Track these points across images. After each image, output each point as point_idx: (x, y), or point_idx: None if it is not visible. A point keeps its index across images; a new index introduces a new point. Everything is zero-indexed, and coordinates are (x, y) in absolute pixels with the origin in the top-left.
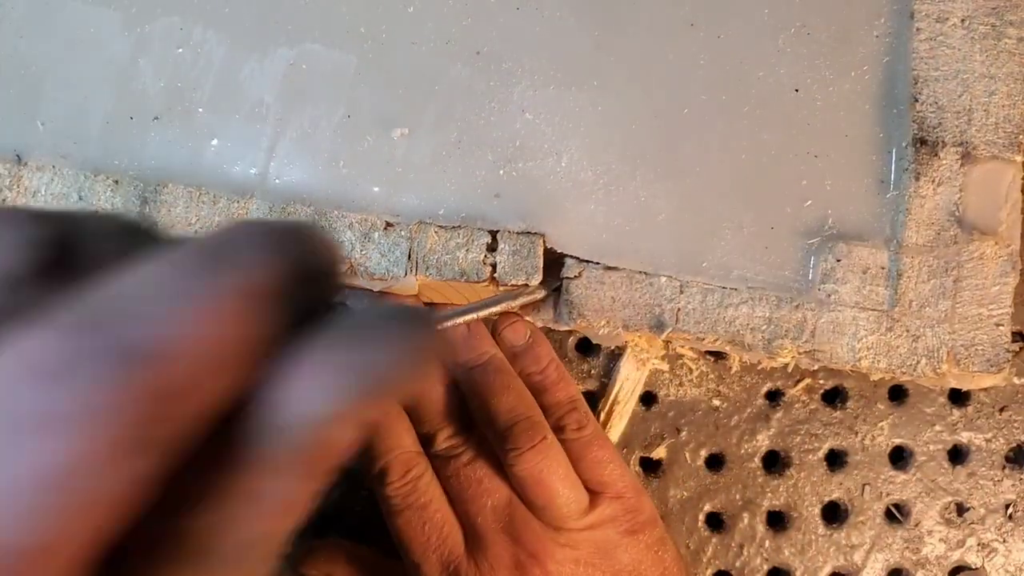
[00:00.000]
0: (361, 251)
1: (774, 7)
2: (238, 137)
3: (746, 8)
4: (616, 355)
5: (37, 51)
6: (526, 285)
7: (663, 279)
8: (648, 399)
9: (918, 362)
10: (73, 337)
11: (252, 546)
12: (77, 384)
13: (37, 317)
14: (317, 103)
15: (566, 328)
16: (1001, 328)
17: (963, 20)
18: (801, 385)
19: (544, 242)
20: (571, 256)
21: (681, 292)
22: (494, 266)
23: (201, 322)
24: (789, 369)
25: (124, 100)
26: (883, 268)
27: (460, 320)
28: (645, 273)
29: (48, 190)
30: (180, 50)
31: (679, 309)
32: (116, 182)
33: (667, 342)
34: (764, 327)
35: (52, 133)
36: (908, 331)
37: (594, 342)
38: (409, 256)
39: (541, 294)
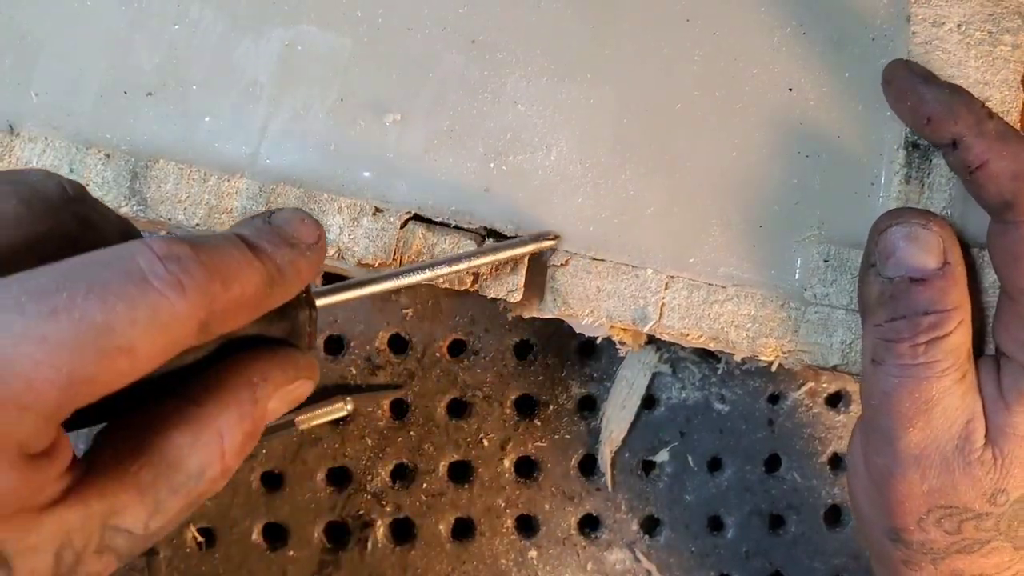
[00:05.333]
0: (349, 236)
1: (771, 5)
2: (231, 116)
3: (743, 6)
4: (618, 358)
5: (33, 22)
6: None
7: (649, 272)
8: (651, 402)
9: None
10: (181, 247)
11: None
12: (182, 269)
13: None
14: (311, 85)
15: (550, 316)
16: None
17: (959, 25)
18: (804, 388)
19: (528, 261)
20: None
21: (667, 287)
22: (476, 276)
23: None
24: (772, 368)
25: (118, 74)
26: None
27: (474, 262)
28: (632, 265)
29: (39, 161)
30: (176, 27)
31: (664, 303)
32: (108, 156)
33: (672, 342)
34: (749, 325)
35: (45, 105)
36: None
37: (577, 331)
38: (394, 256)
39: (551, 244)
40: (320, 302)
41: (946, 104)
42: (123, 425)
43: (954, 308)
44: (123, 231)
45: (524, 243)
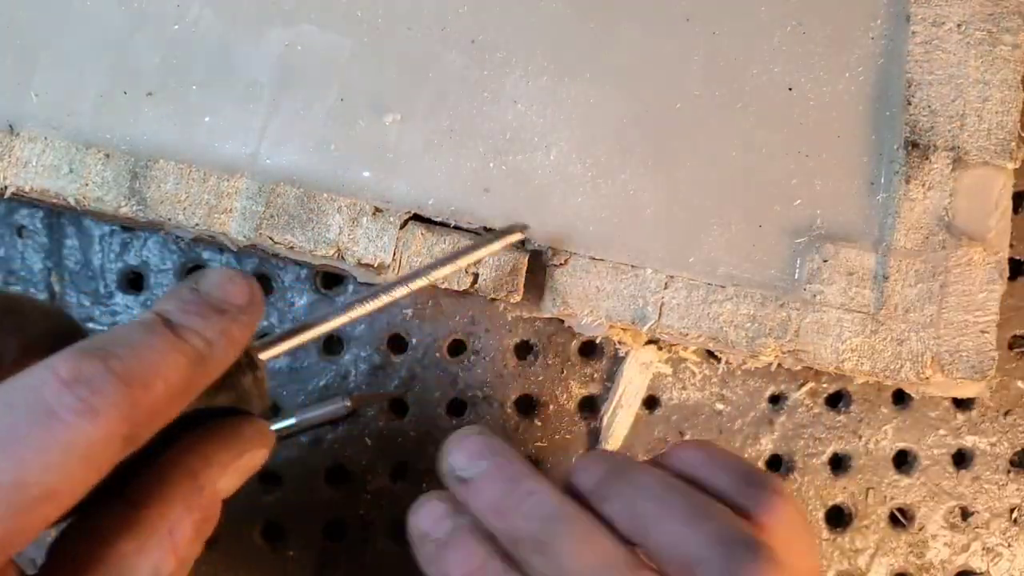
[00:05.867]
0: (349, 236)
1: (771, 5)
2: (231, 116)
3: (743, 5)
4: (619, 359)
5: (33, 22)
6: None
7: (649, 272)
8: (651, 403)
9: (901, 366)
10: (86, 361)
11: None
12: (91, 391)
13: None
14: (310, 85)
15: (550, 316)
16: (986, 335)
17: (959, 25)
18: (805, 389)
19: (528, 261)
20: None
21: (666, 287)
22: (476, 276)
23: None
24: (772, 368)
25: (118, 75)
26: (870, 270)
27: (435, 275)
28: (631, 265)
29: (39, 161)
30: (176, 27)
31: (663, 303)
32: (107, 156)
33: (671, 345)
34: (748, 325)
35: (46, 105)
36: (892, 335)
37: (576, 331)
38: (393, 255)
39: (519, 236)
40: (264, 356)
41: None
42: (72, 535)
43: None
44: (48, 327)
45: (489, 241)
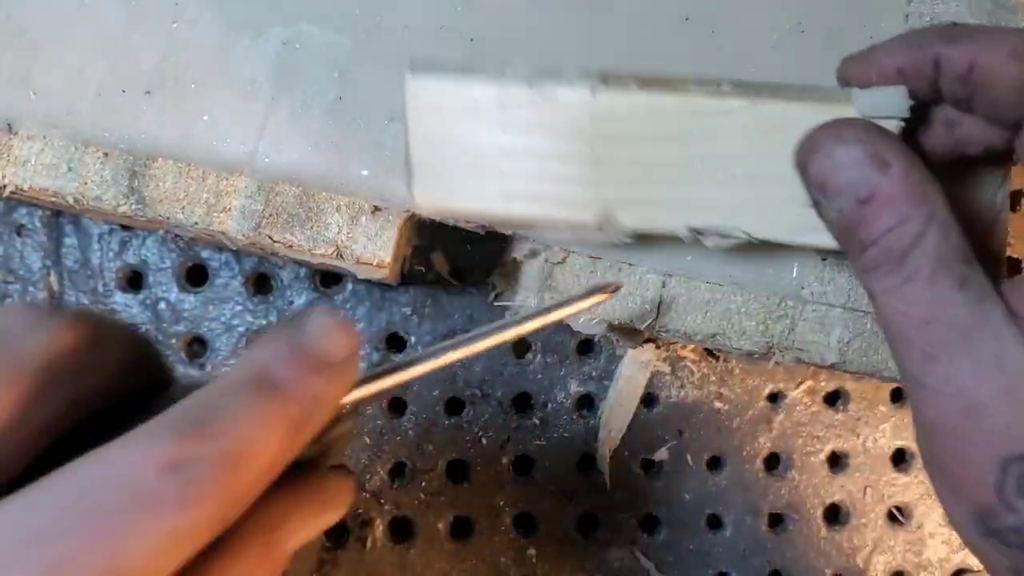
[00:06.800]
0: (348, 234)
1: (770, 4)
2: (229, 114)
3: (741, 4)
4: (617, 357)
5: (31, 20)
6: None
7: (647, 272)
8: (650, 401)
9: None
10: (186, 443)
11: None
12: (191, 478)
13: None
14: (309, 84)
15: None
16: None
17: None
18: (803, 387)
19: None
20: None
21: (664, 286)
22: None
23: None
24: (770, 366)
25: (117, 73)
26: None
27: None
28: (629, 264)
29: (38, 160)
30: (175, 25)
31: (661, 302)
32: (106, 154)
33: (669, 343)
34: (746, 323)
35: (44, 103)
36: None
37: (575, 330)
38: (393, 255)
39: (603, 298)
40: (347, 399)
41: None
42: None
43: (917, 208)
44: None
45: (583, 298)
